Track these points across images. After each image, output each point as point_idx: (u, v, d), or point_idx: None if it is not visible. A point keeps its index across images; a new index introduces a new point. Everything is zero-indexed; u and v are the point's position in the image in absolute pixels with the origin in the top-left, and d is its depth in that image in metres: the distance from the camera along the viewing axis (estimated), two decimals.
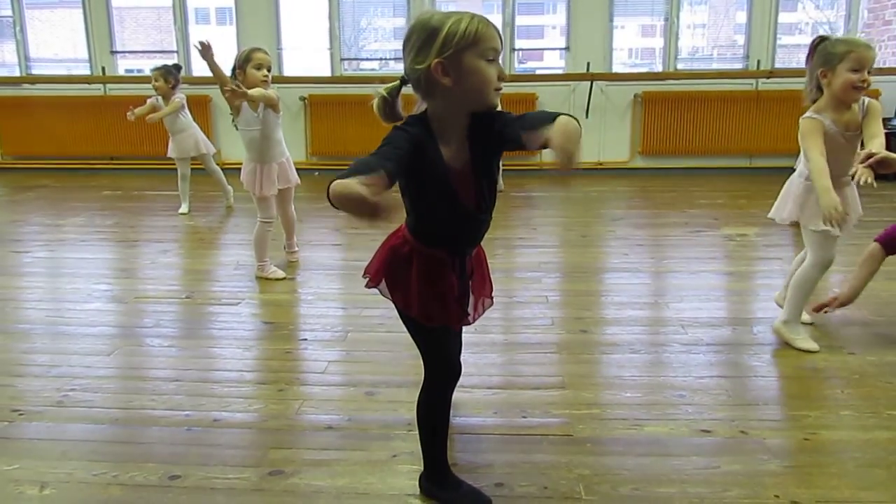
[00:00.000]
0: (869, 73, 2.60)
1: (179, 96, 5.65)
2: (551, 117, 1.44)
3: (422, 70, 1.56)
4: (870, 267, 3.04)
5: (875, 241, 3.01)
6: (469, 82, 1.55)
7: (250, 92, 3.53)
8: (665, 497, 1.89)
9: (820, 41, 2.68)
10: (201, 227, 5.47)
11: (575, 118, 1.44)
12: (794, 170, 2.95)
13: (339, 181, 1.31)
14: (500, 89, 1.59)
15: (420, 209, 1.68)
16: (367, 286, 1.81)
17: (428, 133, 1.60)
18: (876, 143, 2.62)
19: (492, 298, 1.95)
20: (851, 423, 2.27)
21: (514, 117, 1.60)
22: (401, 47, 1.62)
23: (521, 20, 8.16)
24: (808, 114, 2.71)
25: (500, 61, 1.60)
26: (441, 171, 1.60)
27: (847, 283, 3.04)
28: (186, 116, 5.77)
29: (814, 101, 2.73)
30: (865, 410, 2.35)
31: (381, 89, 1.67)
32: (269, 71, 3.70)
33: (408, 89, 1.66)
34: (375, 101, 1.68)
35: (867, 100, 2.69)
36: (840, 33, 7.86)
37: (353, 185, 1.29)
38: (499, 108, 1.65)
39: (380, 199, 1.28)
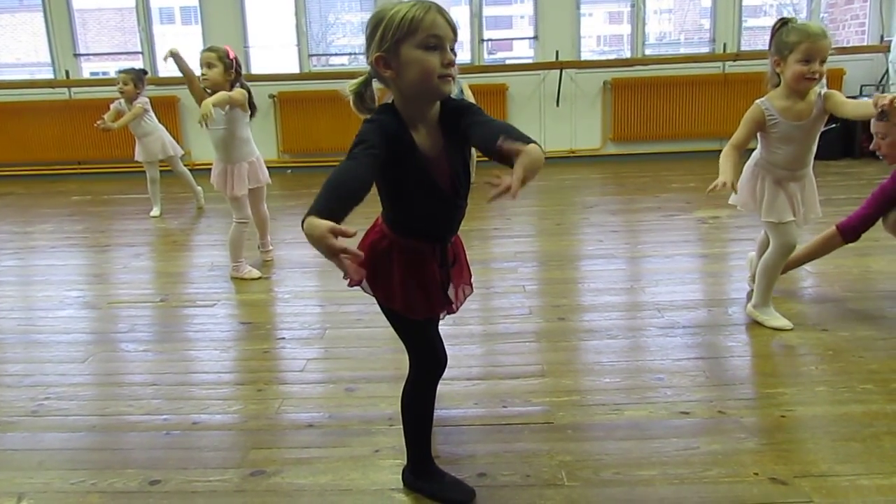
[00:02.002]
0: (822, 62, 2.60)
1: (142, 100, 5.57)
2: (524, 140, 1.38)
3: (370, 63, 1.57)
4: (821, 248, 3.16)
5: (836, 226, 3.10)
6: (409, 73, 1.53)
7: (204, 106, 3.45)
8: (646, 479, 1.90)
9: (781, 25, 2.66)
10: (173, 229, 5.41)
11: (541, 147, 1.38)
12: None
13: (310, 221, 1.28)
14: (449, 76, 1.54)
15: (397, 199, 1.67)
16: (350, 285, 1.80)
17: (398, 121, 1.59)
18: (854, 102, 2.72)
19: (471, 285, 1.94)
20: (826, 399, 2.30)
21: (482, 120, 1.56)
22: None
23: (489, 10, 8.15)
24: (761, 99, 2.74)
25: (457, 48, 1.58)
26: (416, 158, 1.59)
27: (792, 255, 3.08)
28: (152, 119, 5.70)
29: (775, 86, 2.74)
30: (840, 385, 2.39)
31: (348, 90, 1.67)
32: (209, 67, 3.60)
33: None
34: (351, 100, 1.68)
35: (824, 91, 2.70)
36: (803, 14, 7.94)
37: (325, 231, 1.27)
38: (455, 95, 1.63)
39: (344, 254, 1.27)
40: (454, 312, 1.88)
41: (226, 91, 3.60)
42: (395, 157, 1.53)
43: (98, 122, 5.43)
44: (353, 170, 1.43)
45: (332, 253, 1.27)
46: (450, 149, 1.64)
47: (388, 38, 1.52)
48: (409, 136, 1.59)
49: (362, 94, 1.68)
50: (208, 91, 3.64)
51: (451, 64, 1.54)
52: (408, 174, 1.59)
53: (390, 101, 1.63)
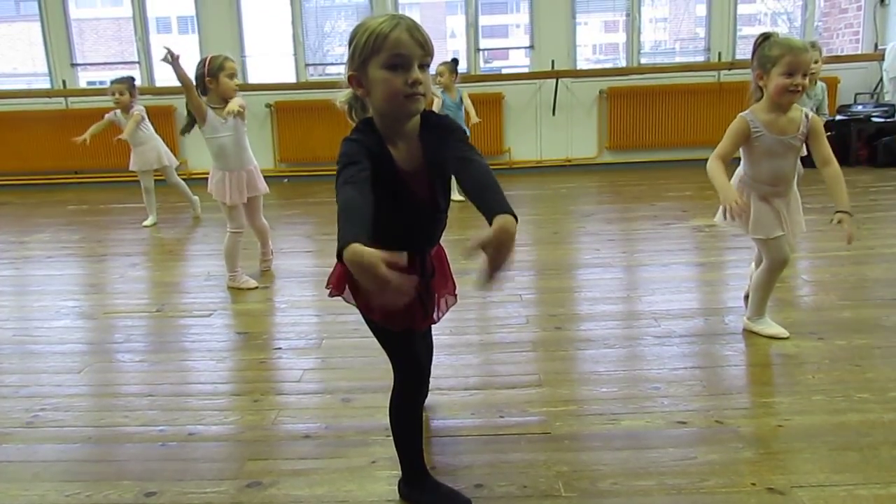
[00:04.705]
0: (804, 76, 2.59)
1: (138, 108, 5.57)
2: (495, 207, 1.37)
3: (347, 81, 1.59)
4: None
5: None
6: (376, 92, 1.55)
7: (233, 105, 3.60)
8: (644, 490, 1.90)
9: (763, 39, 2.66)
10: (170, 238, 5.41)
11: (514, 216, 1.35)
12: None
13: (356, 248, 1.26)
14: (416, 95, 1.53)
15: (377, 211, 1.67)
16: (331, 295, 1.80)
17: (376, 136, 1.60)
18: (832, 172, 2.66)
19: (455, 296, 1.94)
20: (823, 408, 2.30)
21: (463, 158, 1.54)
22: None
23: (485, 20, 8.20)
24: (745, 112, 2.73)
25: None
26: (392, 173, 1.60)
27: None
28: (148, 128, 5.70)
29: (758, 100, 2.73)
30: (836, 394, 2.38)
31: (339, 102, 1.69)
32: (237, 78, 3.77)
33: None
34: (346, 111, 1.70)
35: (810, 115, 2.70)
36: (798, 23, 7.98)
37: (377, 260, 1.25)
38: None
39: (395, 280, 1.26)
40: (435, 322, 1.89)
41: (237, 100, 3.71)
42: (376, 173, 1.54)
43: (81, 138, 5.48)
44: (363, 194, 1.44)
45: (380, 283, 1.25)
46: (429, 163, 1.64)
47: (356, 58, 1.53)
48: (386, 152, 1.60)
49: (353, 105, 1.69)
50: (204, 99, 3.68)
51: (417, 83, 1.52)
52: (387, 188, 1.59)
53: (369, 116, 1.65)
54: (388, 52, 1.50)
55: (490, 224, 1.35)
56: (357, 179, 1.46)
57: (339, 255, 1.29)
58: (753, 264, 3.18)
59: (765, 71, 2.64)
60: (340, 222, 1.36)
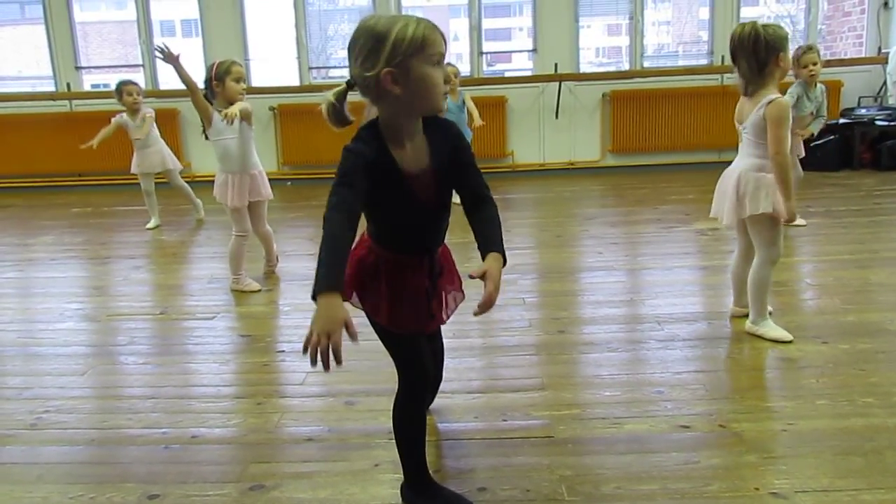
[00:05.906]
0: None
1: (149, 109, 5.58)
2: (489, 245, 1.63)
3: (371, 77, 1.54)
4: None
5: None
6: (418, 89, 1.55)
7: (233, 109, 3.57)
8: (647, 494, 1.89)
9: (759, 29, 2.70)
10: (173, 241, 5.41)
11: (504, 257, 1.62)
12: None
13: (333, 301, 1.44)
14: (447, 92, 1.63)
15: (383, 218, 1.68)
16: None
17: (380, 142, 1.59)
18: None
19: (462, 292, 1.94)
20: (827, 412, 2.30)
21: (470, 180, 1.71)
22: None
23: (488, 23, 8.19)
24: (777, 95, 2.73)
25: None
26: (396, 179, 1.60)
27: None
28: (153, 131, 5.70)
29: (749, 92, 2.80)
30: (840, 399, 2.38)
31: (329, 95, 1.65)
32: (244, 83, 3.77)
33: (355, 93, 1.64)
34: (324, 107, 1.65)
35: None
36: (801, 26, 7.99)
37: (341, 325, 1.42)
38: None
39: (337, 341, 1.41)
40: (444, 322, 1.89)
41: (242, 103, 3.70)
42: (378, 182, 1.55)
43: (89, 145, 5.47)
44: (347, 221, 1.51)
45: (329, 341, 1.39)
46: (436, 167, 1.65)
47: (399, 54, 1.51)
48: (389, 158, 1.59)
49: (341, 104, 1.66)
50: (212, 101, 3.70)
51: (450, 81, 1.58)
52: (392, 194, 1.60)
53: (371, 120, 1.63)
54: (432, 49, 1.54)
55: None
56: (346, 207, 1.51)
57: (314, 297, 1.42)
58: (734, 270, 3.12)
59: (784, 51, 2.74)
60: (321, 257, 1.46)
